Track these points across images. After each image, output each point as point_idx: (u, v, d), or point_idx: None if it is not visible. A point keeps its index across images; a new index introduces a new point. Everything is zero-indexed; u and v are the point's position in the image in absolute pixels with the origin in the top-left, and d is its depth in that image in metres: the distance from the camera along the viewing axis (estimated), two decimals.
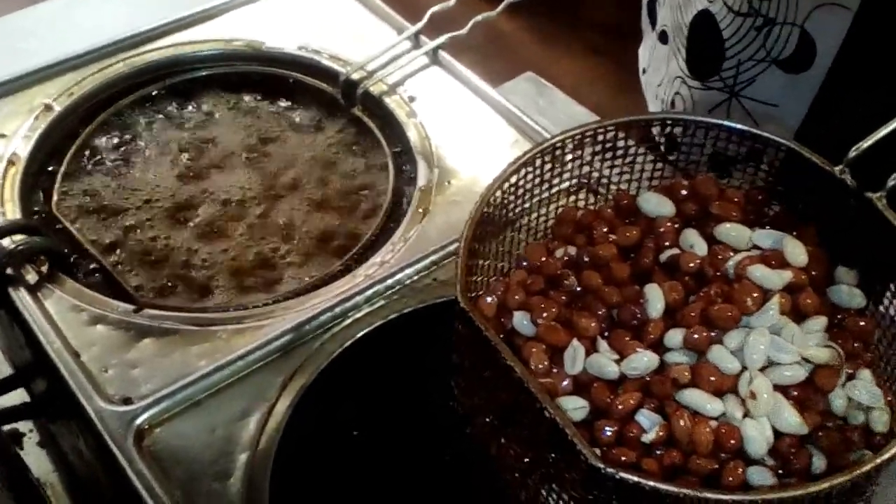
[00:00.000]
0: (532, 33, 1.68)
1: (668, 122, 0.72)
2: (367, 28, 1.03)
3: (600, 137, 0.72)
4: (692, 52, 0.92)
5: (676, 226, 0.71)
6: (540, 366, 0.64)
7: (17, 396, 0.97)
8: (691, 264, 0.67)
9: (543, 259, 0.71)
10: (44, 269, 0.79)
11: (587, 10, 1.50)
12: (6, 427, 1.01)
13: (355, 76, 0.96)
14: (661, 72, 0.98)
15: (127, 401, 0.69)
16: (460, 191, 0.85)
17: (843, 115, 0.96)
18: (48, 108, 0.92)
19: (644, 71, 1.05)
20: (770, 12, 0.86)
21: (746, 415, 0.59)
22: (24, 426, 1.03)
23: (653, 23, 1.02)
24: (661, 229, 0.70)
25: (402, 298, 0.77)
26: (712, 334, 0.63)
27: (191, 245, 0.85)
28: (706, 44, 0.90)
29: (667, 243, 0.70)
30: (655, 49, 0.99)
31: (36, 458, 1.01)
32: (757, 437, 0.58)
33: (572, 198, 0.76)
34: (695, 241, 0.69)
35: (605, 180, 0.75)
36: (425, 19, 0.99)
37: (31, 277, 0.78)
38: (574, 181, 0.76)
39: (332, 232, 0.86)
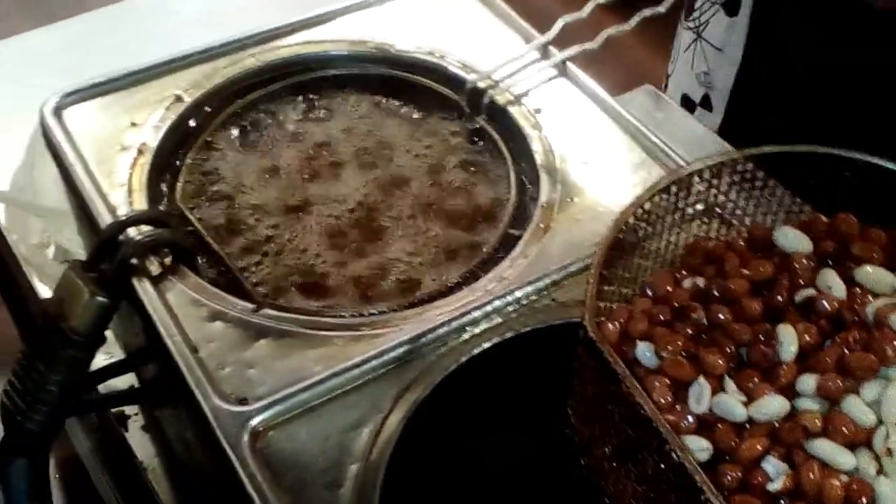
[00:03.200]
0: (650, 45, 1.65)
1: (814, 154, 0.69)
2: (496, 35, 1.02)
3: (739, 168, 0.70)
4: None
5: (813, 264, 0.69)
6: (662, 400, 0.62)
7: (126, 379, 0.99)
8: (829, 307, 0.65)
9: (670, 289, 0.70)
10: (167, 261, 0.80)
11: None
12: (113, 409, 1.03)
13: (481, 84, 0.95)
14: None
15: (243, 401, 0.70)
16: (583, 209, 0.84)
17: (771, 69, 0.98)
18: (178, 98, 0.93)
19: None
20: None
21: (880, 472, 0.57)
22: (129, 409, 1.05)
23: None
24: (798, 267, 0.68)
25: (520, 317, 0.76)
26: (848, 383, 0.61)
27: (308, 246, 0.85)
28: None
29: (802, 282, 0.68)
30: None
31: (139, 442, 1.03)
32: (891, 497, 0.56)
33: (703, 227, 0.74)
34: (833, 283, 0.66)
35: (739, 211, 0.73)
36: (556, 30, 0.97)
37: (155, 269, 0.79)
38: (706, 208, 0.74)
39: (449, 242, 0.85)
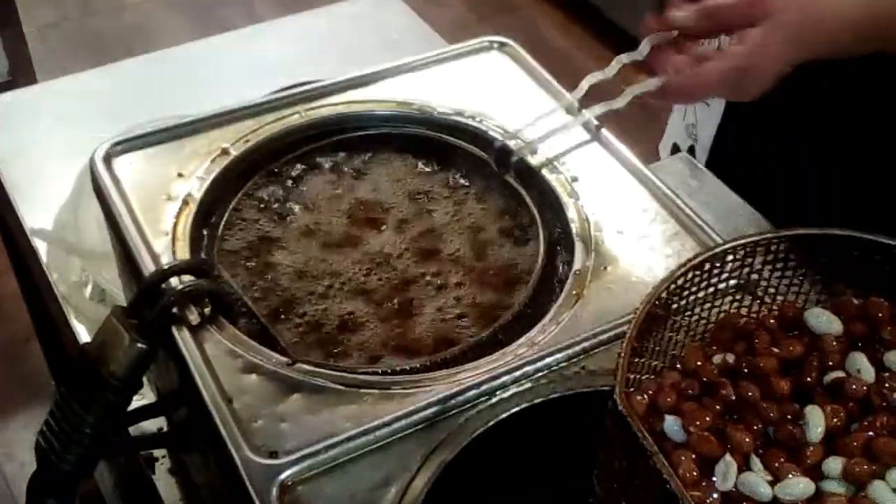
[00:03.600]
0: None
1: (848, 238, 0.70)
2: (531, 96, 1.04)
3: (773, 247, 0.71)
4: None
5: (843, 346, 0.69)
6: (688, 476, 0.62)
7: (155, 420, 1.00)
8: (857, 390, 0.65)
9: (700, 363, 0.70)
10: (206, 310, 0.81)
11: None
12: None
13: (512, 143, 0.95)
14: None
15: (273, 454, 0.71)
16: (616, 279, 0.85)
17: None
18: (225, 151, 0.95)
19: None
20: None
21: None
22: (157, 451, 1.07)
23: None
24: (828, 348, 0.69)
25: (549, 383, 0.77)
26: (874, 468, 0.61)
27: (342, 302, 0.87)
28: None
29: (831, 363, 0.68)
30: None
31: (166, 485, 1.04)
32: None
33: (735, 303, 0.75)
34: (862, 366, 0.67)
35: (771, 289, 0.74)
36: (583, 90, 0.97)
37: (194, 318, 0.80)
38: (738, 285, 0.75)
39: (480, 303, 0.86)
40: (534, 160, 0.95)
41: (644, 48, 0.92)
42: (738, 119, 1.23)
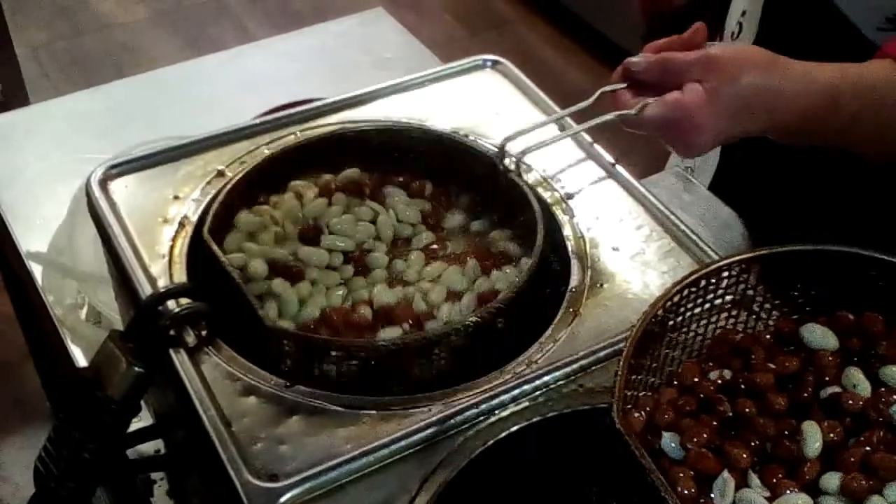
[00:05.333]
0: None
1: (841, 253, 0.71)
2: (524, 112, 1.05)
3: (767, 264, 0.71)
4: None
5: (839, 361, 0.70)
6: (687, 493, 0.63)
7: (152, 443, 1.00)
8: (854, 405, 0.66)
9: (696, 379, 0.71)
10: (203, 333, 0.81)
11: None
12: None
13: (506, 161, 0.95)
14: None
15: (273, 477, 0.71)
16: (613, 296, 0.85)
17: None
18: (220, 173, 0.96)
19: None
20: None
21: None
22: (154, 474, 1.06)
23: None
24: (824, 363, 0.69)
25: (546, 402, 0.77)
26: (872, 483, 0.61)
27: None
28: None
29: (828, 379, 0.69)
30: None
31: None
32: None
33: (730, 319, 0.75)
34: (858, 381, 0.68)
35: (767, 305, 0.74)
36: (574, 108, 0.97)
37: (191, 340, 0.80)
38: (733, 301, 0.76)
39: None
40: (528, 177, 0.96)
41: (595, 95, 0.92)
42: (734, 168, 1.24)
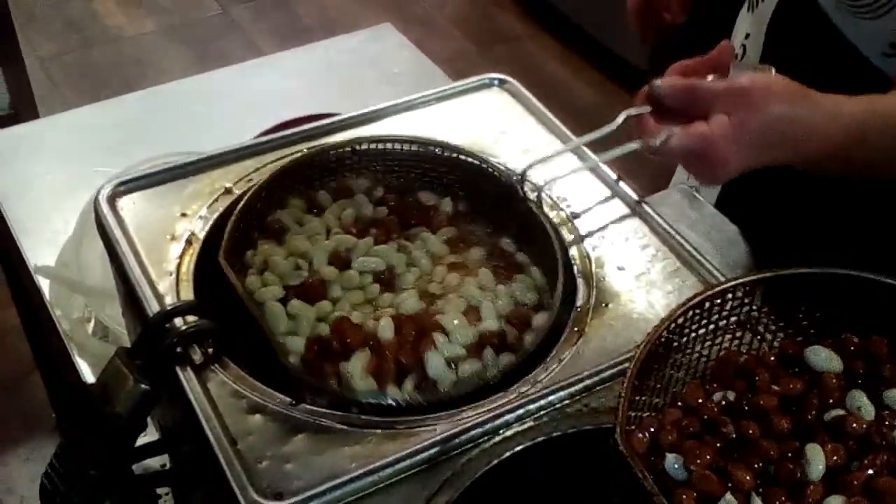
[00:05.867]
0: None
1: (848, 277, 0.71)
2: (528, 133, 1.05)
3: (773, 285, 0.72)
4: None
5: (843, 384, 0.70)
6: None
7: (158, 458, 1.00)
8: (857, 428, 0.66)
9: (700, 401, 0.71)
10: (210, 350, 0.82)
11: None
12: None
13: (512, 179, 0.95)
14: None
15: (279, 496, 0.71)
16: (618, 316, 0.85)
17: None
18: (228, 191, 0.96)
19: None
20: None
21: None
22: (160, 489, 1.06)
23: None
24: (828, 386, 0.69)
25: (551, 421, 0.77)
26: None
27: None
28: None
29: (832, 401, 0.69)
30: None
31: None
32: None
33: (735, 340, 0.75)
34: (862, 404, 0.68)
35: (772, 326, 0.74)
36: (589, 137, 0.98)
37: (198, 357, 0.81)
38: (738, 323, 0.76)
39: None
40: (534, 196, 0.96)
41: (620, 119, 0.91)
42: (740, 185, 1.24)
